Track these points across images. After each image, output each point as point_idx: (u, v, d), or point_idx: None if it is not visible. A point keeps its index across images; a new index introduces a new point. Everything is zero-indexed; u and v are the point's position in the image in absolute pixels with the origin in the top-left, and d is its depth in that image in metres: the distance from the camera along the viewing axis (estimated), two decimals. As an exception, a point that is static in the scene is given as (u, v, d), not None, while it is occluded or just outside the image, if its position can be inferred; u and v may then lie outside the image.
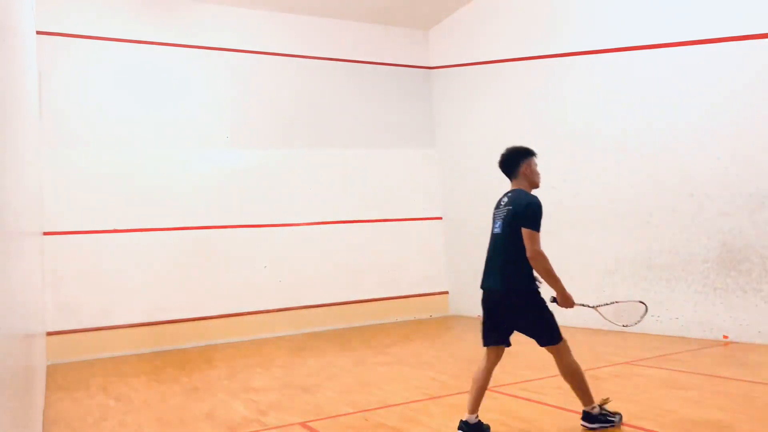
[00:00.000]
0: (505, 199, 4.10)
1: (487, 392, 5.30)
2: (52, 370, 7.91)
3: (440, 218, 11.83)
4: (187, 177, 9.83)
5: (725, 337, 7.04)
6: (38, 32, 8.61)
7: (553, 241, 9.51)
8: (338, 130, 11.12)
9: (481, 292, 4.13)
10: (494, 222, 4.13)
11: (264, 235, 10.27)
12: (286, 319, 10.22)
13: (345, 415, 4.86)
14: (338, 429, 4.51)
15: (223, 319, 9.75)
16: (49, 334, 8.48)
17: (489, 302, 4.06)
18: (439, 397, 5.28)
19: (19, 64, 3.54)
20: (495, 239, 4.09)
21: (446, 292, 11.65)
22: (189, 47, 10.10)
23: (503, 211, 4.06)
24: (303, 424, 4.66)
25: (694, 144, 7.32)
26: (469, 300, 11.17)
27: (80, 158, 9.19)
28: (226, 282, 9.85)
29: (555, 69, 9.29)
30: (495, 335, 4.03)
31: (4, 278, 2.06)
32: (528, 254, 3.85)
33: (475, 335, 9.24)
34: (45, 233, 8.60)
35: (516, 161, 4.13)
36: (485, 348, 4.08)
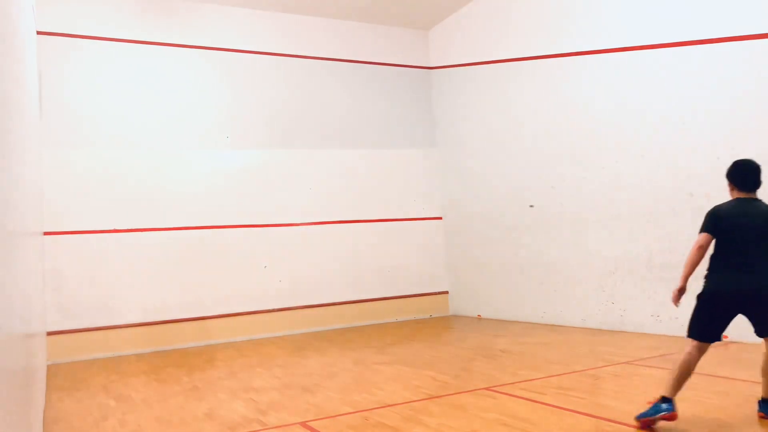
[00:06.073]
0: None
1: (486, 392, 5.33)
2: (52, 370, 7.91)
3: (440, 218, 11.83)
4: (187, 177, 9.84)
5: (725, 337, 7.01)
6: (39, 32, 8.61)
7: (553, 241, 9.59)
8: (338, 130, 11.12)
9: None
10: (749, 226, 4.19)
11: (264, 235, 10.27)
12: (286, 319, 10.22)
13: (345, 415, 4.86)
14: (338, 429, 4.51)
15: (223, 319, 9.75)
16: (49, 334, 8.47)
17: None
18: (439, 397, 5.27)
19: (19, 64, 3.55)
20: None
21: (446, 292, 11.65)
22: (189, 47, 10.10)
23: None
24: (303, 424, 4.66)
25: (694, 144, 7.32)
26: (469, 300, 11.18)
27: (80, 158, 9.19)
28: (226, 282, 9.85)
29: (555, 69, 9.29)
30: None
31: (4, 278, 2.06)
32: None
33: (474, 335, 9.29)
34: (45, 233, 8.60)
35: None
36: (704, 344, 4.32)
